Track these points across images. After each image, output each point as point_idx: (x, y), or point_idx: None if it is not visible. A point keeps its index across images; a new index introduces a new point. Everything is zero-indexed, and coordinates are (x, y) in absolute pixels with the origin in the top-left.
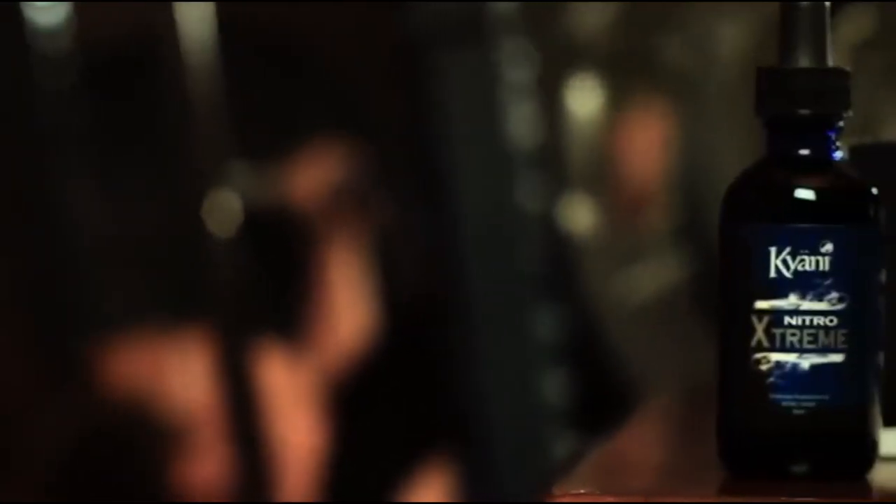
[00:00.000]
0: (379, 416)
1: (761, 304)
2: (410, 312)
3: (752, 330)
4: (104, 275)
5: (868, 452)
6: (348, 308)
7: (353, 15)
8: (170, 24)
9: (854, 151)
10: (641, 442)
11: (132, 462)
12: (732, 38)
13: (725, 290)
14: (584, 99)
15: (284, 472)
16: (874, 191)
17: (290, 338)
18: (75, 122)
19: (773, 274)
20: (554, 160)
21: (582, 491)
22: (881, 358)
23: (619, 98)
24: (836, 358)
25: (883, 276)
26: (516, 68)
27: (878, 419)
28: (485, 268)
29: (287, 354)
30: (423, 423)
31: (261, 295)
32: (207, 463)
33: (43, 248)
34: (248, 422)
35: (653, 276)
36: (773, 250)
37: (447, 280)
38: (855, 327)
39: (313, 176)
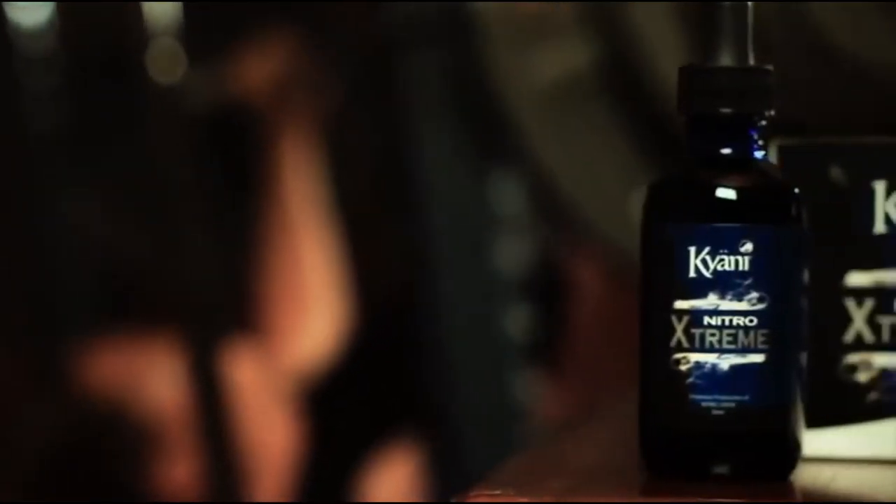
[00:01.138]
0: (350, 411)
1: (681, 304)
2: (381, 303)
3: (672, 330)
4: (84, 278)
5: (791, 453)
6: (320, 301)
7: None
8: None
9: (783, 150)
10: (577, 442)
11: (108, 465)
12: None
13: (646, 290)
14: None
15: (259, 471)
16: (797, 190)
17: (261, 334)
18: (59, 121)
19: (692, 273)
20: None
21: (497, 492)
22: (804, 358)
23: None
24: (756, 358)
25: (806, 276)
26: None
27: (801, 420)
28: (456, 266)
29: (258, 353)
30: (393, 414)
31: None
32: (182, 464)
33: (26, 250)
34: (220, 422)
35: (556, 58)
36: (692, 250)
37: (417, 273)
38: (775, 328)
39: (262, 69)
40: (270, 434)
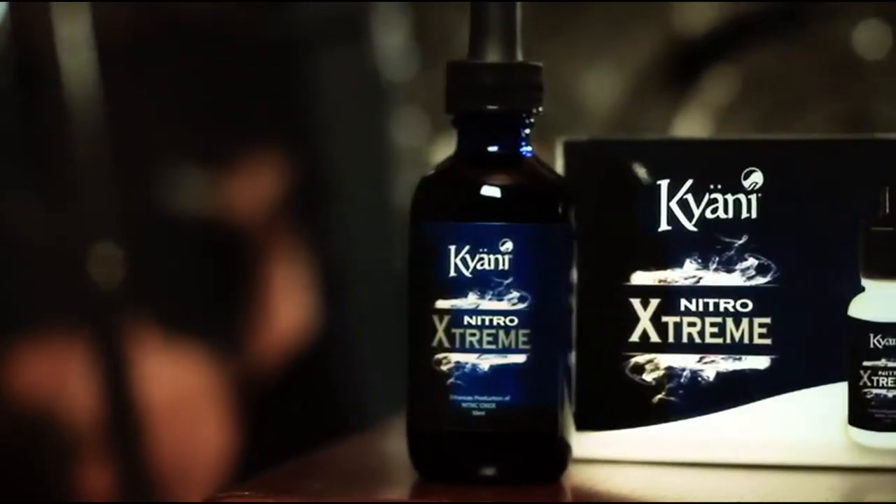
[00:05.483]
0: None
1: (441, 304)
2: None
3: (434, 330)
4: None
5: (558, 454)
6: (285, 312)
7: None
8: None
9: (568, 147)
10: (372, 442)
11: (31, 471)
12: None
13: (411, 289)
14: None
15: (189, 476)
16: (566, 188)
17: (211, 338)
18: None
19: (452, 273)
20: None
21: (246, 493)
22: (571, 358)
23: None
24: (517, 359)
25: (573, 276)
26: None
27: (569, 421)
28: (367, 267)
29: (202, 354)
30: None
31: (190, 298)
32: (100, 472)
33: None
34: (138, 429)
35: None
36: (452, 248)
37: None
38: (537, 328)
39: (251, 187)
40: (207, 438)
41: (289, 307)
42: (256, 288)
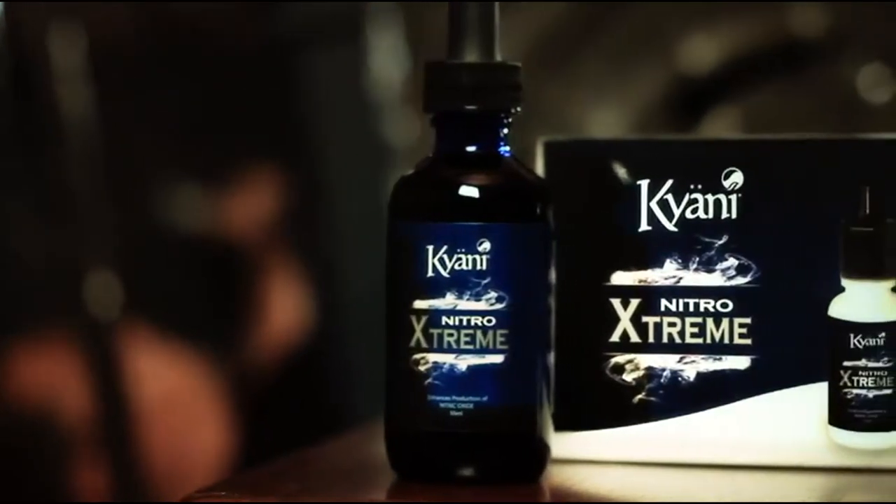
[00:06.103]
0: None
1: (419, 304)
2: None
3: (412, 330)
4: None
5: (537, 454)
6: (280, 312)
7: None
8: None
9: (548, 147)
10: (357, 441)
11: (29, 471)
12: None
13: (389, 289)
14: None
15: (188, 477)
16: (545, 188)
17: (206, 339)
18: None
19: (430, 273)
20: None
21: (223, 493)
22: (550, 359)
23: None
24: (495, 359)
25: (552, 276)
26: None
27: (548, 421)
28: (363, 268)
29: (199, 357)
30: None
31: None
32: (95, 473)
33: None
34: (133, 429)
35: None
36: (430, 248)
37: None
38: (515, 328)
39: (248, 195)
40: (206, 439)
41: (284, 306)
42: (252, 289)
